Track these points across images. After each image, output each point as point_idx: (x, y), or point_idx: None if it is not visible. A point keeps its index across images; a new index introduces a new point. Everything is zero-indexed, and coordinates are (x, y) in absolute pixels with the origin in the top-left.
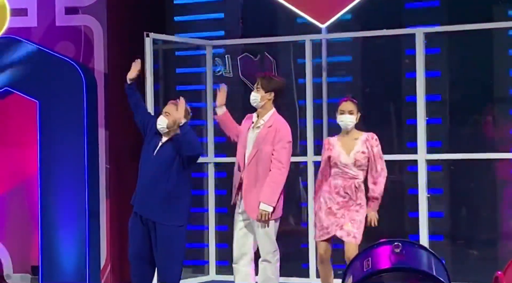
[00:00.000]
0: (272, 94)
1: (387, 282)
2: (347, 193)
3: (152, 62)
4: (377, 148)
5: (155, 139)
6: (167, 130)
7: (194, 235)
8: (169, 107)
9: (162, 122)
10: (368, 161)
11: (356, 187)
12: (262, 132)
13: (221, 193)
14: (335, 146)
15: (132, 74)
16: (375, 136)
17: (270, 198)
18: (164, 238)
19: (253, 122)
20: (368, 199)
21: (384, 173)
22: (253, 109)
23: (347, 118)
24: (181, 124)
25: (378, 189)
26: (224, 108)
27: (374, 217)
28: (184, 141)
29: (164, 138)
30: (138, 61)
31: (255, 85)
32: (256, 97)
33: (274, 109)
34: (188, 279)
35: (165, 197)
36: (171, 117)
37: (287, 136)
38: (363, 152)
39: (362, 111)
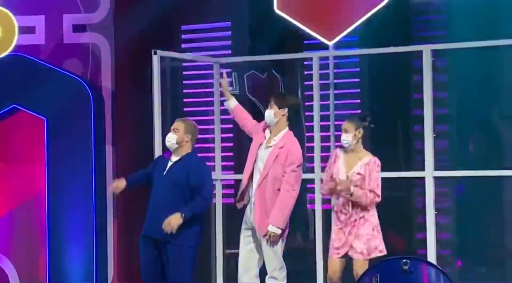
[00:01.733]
0: (286, 110)
1: None
2: (347, 210)
3: (159, 80)
4: (377, 174)
5: (163, 162)
6: (176, 146)
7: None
8: (177, 124)
9: (171, 139)
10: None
11: (354, 203)
12: (273, 153)
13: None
14: (338, 161)
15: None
16: (378, 162)
17: (279, 220)
18: (175, 258)
19: (265, 138)
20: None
21: (374, 196)
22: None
23: (343, 136)
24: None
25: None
26: (234, 102)
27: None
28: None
29: (174, 158)
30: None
31: (269, 103)
32: (270, 114)
33: (287, 128)
34: None
35: None
36: (179, 134)
37: (298, 159)
38: (359, 173)
39: (366, 129)
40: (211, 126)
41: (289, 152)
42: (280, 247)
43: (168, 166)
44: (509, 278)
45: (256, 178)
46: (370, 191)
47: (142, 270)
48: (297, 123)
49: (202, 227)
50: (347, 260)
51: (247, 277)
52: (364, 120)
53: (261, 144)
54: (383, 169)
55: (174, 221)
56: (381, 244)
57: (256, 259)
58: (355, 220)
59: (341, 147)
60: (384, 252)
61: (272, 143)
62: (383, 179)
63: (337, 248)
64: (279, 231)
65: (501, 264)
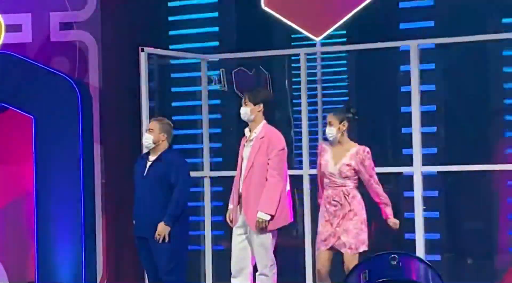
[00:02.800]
0: (261, 105)
1: None
2: (336, 201)
3: (147, 77)
4: (368, 161)
5: (142, 162)
6: (153, 145)
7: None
8: (152, 124)
9: (148, 139)
10: (356, 173)
11: (345, 194)
12: (255, 145)
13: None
14: (326, 154)
15: None
16: (367, 149)
17: (267, 206)
18: (164, 255)
19: (246, 138)
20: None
21: (375, 181)
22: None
23: (327, 130)
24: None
25: (379, 196)
26: None
27: (392, 223)
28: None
29: (152, 157)
30: None
31: (243, 100)
32: (245, 111)
33: (264, 121)
34: None
35: (160, 215)
36: (154, 133)
37: (280, 144)
38: (348, 165)
39: (350, 122)
40: (200, 118)
41: (270, 140)
42: (270, 243)
43: (148, 166)
44: (498, 272)
45: (244, 173)
46: (371, 176)
47: (145, 269)
48: (285, 119)
49: (187, 222)
50: (337, 254)
51: (241, 276)
52: (349, 112)
53: (244, 145)
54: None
55: (161, 230)
56: (366, 239)
57: (249, 257)
58: (345, 213)
59: (327, 140)
60: (367, 247)
61: (253, 136)
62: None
63: (324, 240)
64: (267, 217)
65: (489, 258)
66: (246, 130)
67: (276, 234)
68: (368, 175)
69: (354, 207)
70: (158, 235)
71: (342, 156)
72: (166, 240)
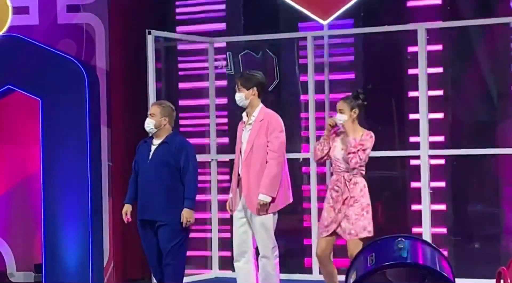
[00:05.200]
0: (255, 89)
1: (390, 278)
2: (338, 187)
3: (154, 59)
4: (365, 142)
5: (145, 147)
6: (155, 130)
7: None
8: (153, 109)
9: (149, 124)
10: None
11: (346, 180)
12: (254, 127)
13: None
14: (336, 139)
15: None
16: (371, 134)
17: (268, 189)
18: (167, 238)
19: (244, 122)
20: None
21: (359, 157)
22: None
23: (338, 117)
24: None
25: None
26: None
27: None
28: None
29: (156, 141)
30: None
31: (236, 86)
32: (240, 97)
33: (261, 104)
34: (191, 276)
35: (167, 198)
36: (156, 118)
37: (279, 126)
38: (354, 146)
39: (361, 108)
40: (207, 103)
41: (269, 122)
42: (271, 225)
43: (152, 150)
44: (502, 255)
45: (243, 156)
46: (357, 152)
47: (146, 254)
48: (293, 103)
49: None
50: (340, 240)
51: (244, 259)
52: (358, 99)
53: (243, 130)
54: (378, 148)
55: (188, 216)
56: (370, 225)
57: (251, 240)
58: (346, 198)
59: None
60: (372, 233)
61: (252, 119)
62: (378, 157)
63: (326, 226)
64: (268, 199)
65: (495, 242)
66: (244, 114)
67: (276, 215)
68: (356, 150)
69: (354, 194)
70: (188, 221)
71: (350, 141)
72: (193, 221)
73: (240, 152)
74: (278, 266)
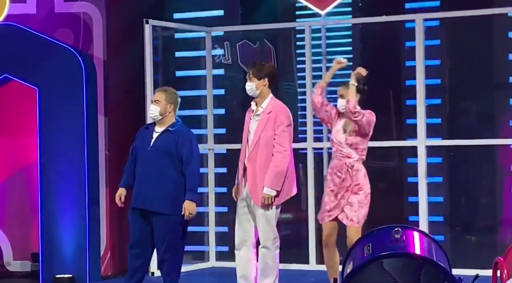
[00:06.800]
0: (266, 80)
1: (387, 268)
2: (341, 173)
3: (151, 49)
4: (368, 115)
5: (147, 134)
6: (160, 117)
7: (194, 222)
8: (157, 95)
9: (154, 111)
10: (363, 137)
11: (349, 167)
12: (262, 119)
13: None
14: (337, 123)
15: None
16: (369, 111)
17: (273, 182)
18: (164, 228)
19: (253, 111)
20: None
21: (366, 120)
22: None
23: (339, 102)
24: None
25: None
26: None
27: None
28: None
29: (159, 129)
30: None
31: (247, 75)
32: (251, 86)
33: (271, 95)
34: (188, 266)
35: (167, 188)
36: (161, 104)
37: (287, 120)
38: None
39: (361, 93)
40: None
41: (277, 115)
42: (274, 217)
43: (154, 137)
44: (499, 246)
45: (250, 146)
46: (363, 118)
47: (132, 241)
48: (290, 92)
49: None
50: (341, 227)
51: (244, 248)
52: (359, 84)
53: (250, 119)
54: (376, 139)
55: (191, 208)
56: (367, 213)
57: (252, 230)
58: (349, 185)
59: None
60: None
61: (260, 110)
62: (375, 148)
63: (329, 210)
64: (273, 193)
65: (493, 232)
66: (253, 103)
67: (280, 208)
68: (362, 118)
69: (360, 181)
70: (190, 214)
71: (352, 124)
72: (195, 214)
73: (247, 141)
74: (278, 257)
